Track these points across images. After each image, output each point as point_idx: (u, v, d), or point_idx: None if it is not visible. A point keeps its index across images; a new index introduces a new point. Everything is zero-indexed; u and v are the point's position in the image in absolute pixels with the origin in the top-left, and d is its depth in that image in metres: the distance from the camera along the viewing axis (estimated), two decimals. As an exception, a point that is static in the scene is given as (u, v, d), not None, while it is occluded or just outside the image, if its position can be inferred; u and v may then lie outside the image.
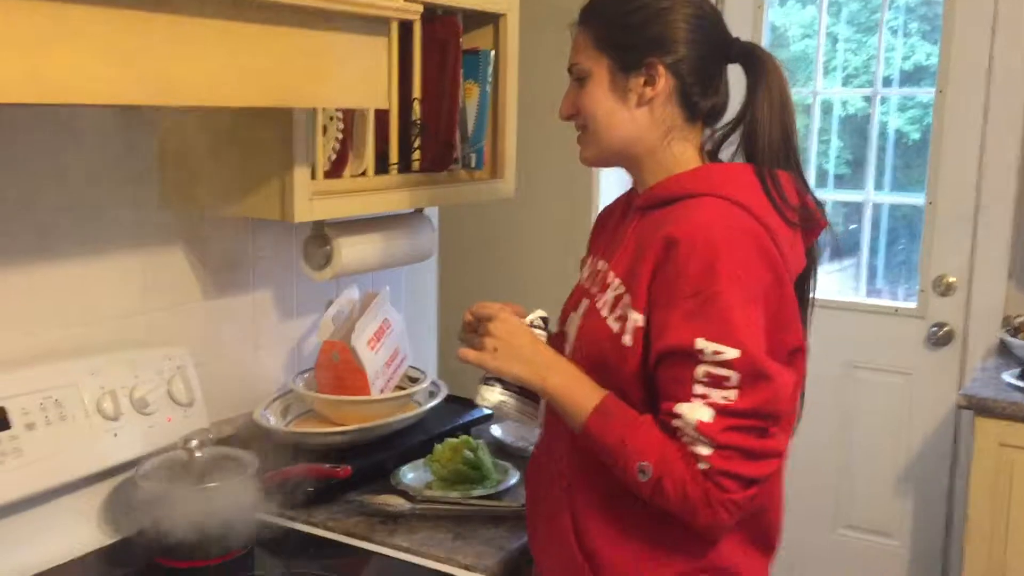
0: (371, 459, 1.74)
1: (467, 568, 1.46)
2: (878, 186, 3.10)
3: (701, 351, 1.17)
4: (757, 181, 1.28)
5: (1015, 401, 2.34)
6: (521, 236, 3.14)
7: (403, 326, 1.94)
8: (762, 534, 1.35)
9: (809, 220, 1.33)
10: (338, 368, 1.79)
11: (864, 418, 3.05)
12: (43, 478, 1.41)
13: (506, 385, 1.34)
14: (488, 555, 1.49)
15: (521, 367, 1.30)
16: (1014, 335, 2.70)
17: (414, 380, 1.93)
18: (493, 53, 1.88)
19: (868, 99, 3.08)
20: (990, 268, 2.82)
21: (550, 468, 1.39)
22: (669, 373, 1.21)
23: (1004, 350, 2.76)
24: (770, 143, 1.31)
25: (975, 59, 2.77)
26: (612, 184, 3.01)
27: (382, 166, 1.70)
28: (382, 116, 1.67)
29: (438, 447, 1.76)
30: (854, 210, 3.16)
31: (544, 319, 1.40)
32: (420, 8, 1.38)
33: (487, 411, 2.01)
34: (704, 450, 1.16)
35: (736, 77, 1.36)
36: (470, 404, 2.01)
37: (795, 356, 1.29)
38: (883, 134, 3.08)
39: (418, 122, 1.74)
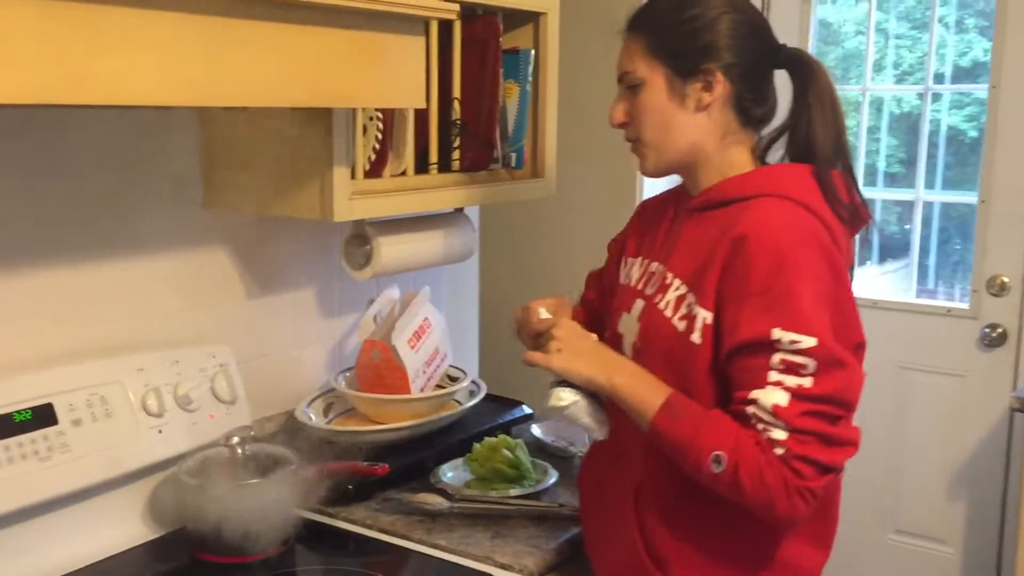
0: (411, 457, 1.75)
1: (504, 567, 1.46)
2: (932, 185, 3.04)
3: (778, 340, 1.18)
4: (815, 182, 1.30)
5: (1071, 404, 2.28)
6: (563, 236, 3.13)
7: (444, 325, 1.94)
8: (823, 532, 1.37)
9: (856, 217, 1.34)
10: (378, 367, 1.80)
11: (915, 420, 3.00)
12: (89, 474, 1.44)
13: (574, 389, 1.35)
14: (525, 555, 1.49)
15: (587, 366, 1.32)
16: (1071, 336, 2.63)
17: (454, 379, 1.94)
18: (533, 52, 1.88)
19: (922, 96, 3.02)
20: (1045, 268, 2.76)
21: (618, 471, 1.41)
22: (743, 364, 1.22)
23: (1060, 352, 2.69)
24: (822, 148, 1.33)
25: (1030, 53, 2.71)
26: (655, 184, 2.99)
27: (422, 166, 1.70)
28: (422, 116, 1.68)
29: (477, 446, 1.76)
30: (907, 209, 3.10)
31: None
32: (457, 7, 1.38)
33: (527, 411, 2.02)
34: (780, 434, 1.17)
35: (781, 82, 1.38)
36: (510, 403, 2.03)
37: (858, 351, 1.30)
38: (937, 132, 3.02)
39: (458, 121, 1.75)
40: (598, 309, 1.61)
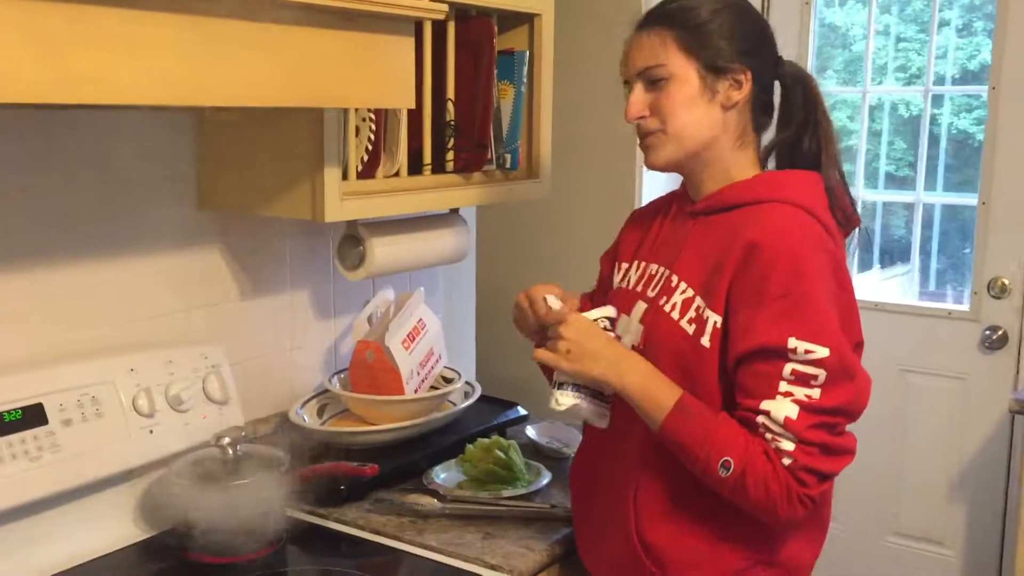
0: (404, 458, 1.75)
1: (494, 568, 1.45)
2: (935, 187, 3.04)
3: (793, 349, 1.21)
4: (823, 188, 1.34)
5: (1070, 406, 2.27)
6: (561, 236, 3.13)
7: (438, 326, 1.94)
8: (817, 529, 1.40)
9: (848, 222, 1.38)
10: (372, 368, 1.80)
11: (916, 423, 2.99)
12: (79, 474, 1.44)
13: (578, 388, 1.34)
14: (516, 556, 1.49)
15: (597, 367, 1.31)
16: (1071, 339, 2.62)
17: (449, 380, 1.94)
18: (528, 54, 1.87)
19: (931, 99, 3.01)
20: (1046, 270, 2.74)
21: (615, 470, 1.41)
22: (754, 370, 1.24)
23: (1061, 354, 2.68)
24: (828, 159, 1.37)
25: (1030, 55, 2.70)
26: (655, 185, 2.99)
27: (416, 167, 1.71)
28: (416, 117, 1.68)
29: (470, 447, 1.76)
30: (919, 212, 3.09)
31: (611, 319, 1.39)
32: (445, 7, 1.38)
33: (522, 412, 2.02)
34: (788, 446, 1.21)
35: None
36: (505, 404, 2.03)
37: (856, 351, 1.32)
38: (945, 135, 3.02)
39: (452, 123, 1.75)
40: None
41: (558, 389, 1.35)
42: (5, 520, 1.38)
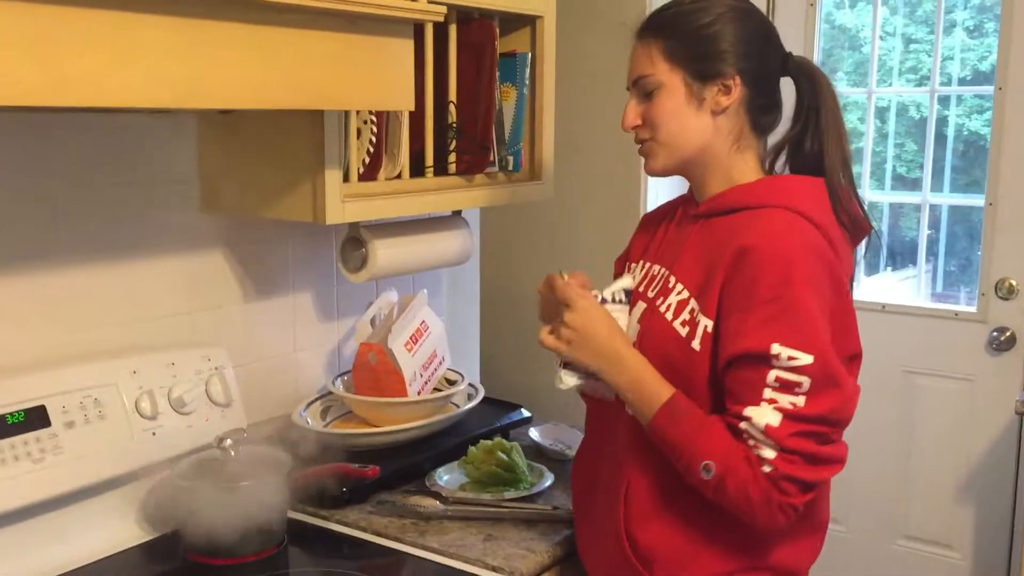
0: (407, 460, 1.75)
1: (495, 570, 1.45)
2: (950, 188, 3.03)
3: (777, 356, 1.20)
4: (826, 195, 1.32)
5: (1078, 408, 2.25)
6: (565, 238, 3.12)
7: (442, 328, 1.95)
8: (811, 533, 1.38)
9: (858, 228, 1.36)
10: (375, 370, 1.80)
11: (923, 425, 2.97)
12: (81, 475, 1.45)
13: (581, 372, 1.37)
14: (517, 557, 1.48)
15: (593, 359, 1.33)
16: (1080, 340, 2.60)
17: (452, 383, 1.94)
18: (530, 56, 1.88)
19: (941, 100, 3.00)
20: (1054, 271, 2.73)
21: (608, 468, 1.42)
22: (740, 376, 1.24)
23: (1069, 355, 2.66)
24: (831, 159, 1.35)
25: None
26: (660, 187, 2.99)
27: (418, 169, 1.71)
28: (418, 119, 1.68)
29: (472, 449, 1.76)
30: (929, 213, 3.08)
31: (627, 291, 1.41)
32: (444, 10, 1.38)
33: (526, 414, 2.02)
34: (769, 453, 1.20)
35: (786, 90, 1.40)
36: (508, 407, 2.03)
37: (852, 362, 1.32)
38: (957, 136, 3.01)
39: (454, 125, 1.75)
40: None
41: (563, 368, 1.38)
42: (8, 522, 1.39)
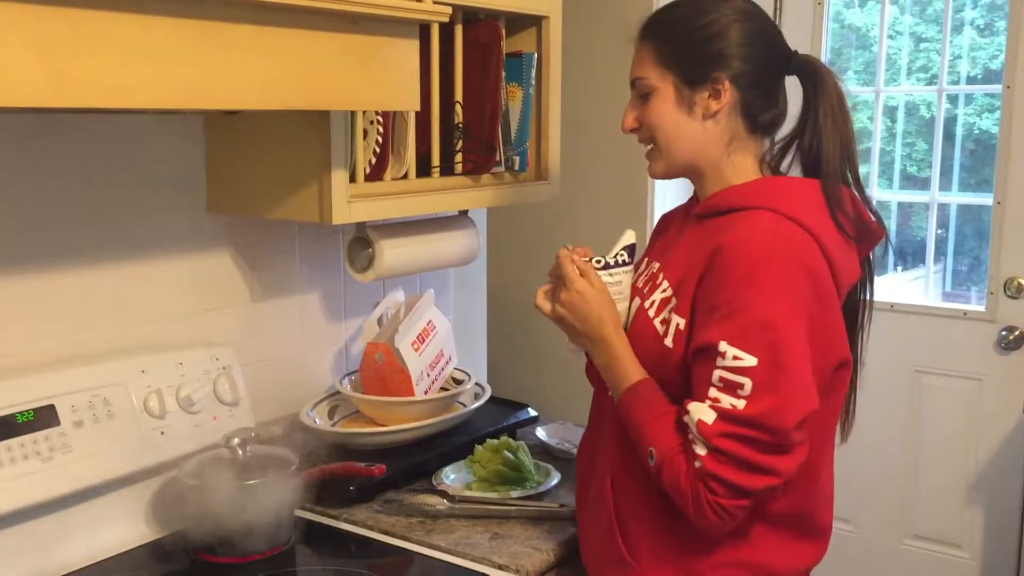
0: (413, 459, 1.76)
1: (501, 568, 1.46)
2: (960, 188, 3.02)
3: (723, 353, 1.20)
4: (821, 197, 1.31)
5: (1087, 407, 2.25)
6: (572, 239, 3.12)
7: (448, 328, 1.95)
8: (805, 536, 1.37)
9: (865, 232, 1.34)
10: (382, 369, 1.80)
11: (932, 425, 2.97)
12: (90, 474, 1.46)
13: None
14: (523, 555, 1.49)
15: (578, 339, 1.39)
16: (1089, 339, 2.59)
17: (459, 382, 1.94)
18: (536, 56, 1.88)
19: (951, 99, 3.00)
20: (1063, 269, 2.72)
21: (595, 459, 1.44)
22: (695, 371, 1.25)
23: (1079, 354, 2.65)
24: (829, 157, 1.34)
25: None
26: (668, 187, 2.99)
27: (424, 169, 1.71)
28: (424, 119, 1.69)
29: (479, 448, 1.77)
30: (941, 212, 3.07)
31: (629, 248, 1.42)
32: (449, 10, 1.39)
33: (532, 413, 2.03)
34: (700, 450, 1.21)
35: (791, 89, 1.39)
36: (515, 406, 2.04)
37: (841, 370, 1.31)
38: (967, 135, 3.00)
39: (460, 125, 1.76)
40: None
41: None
42: (17, 520, 1.40)
